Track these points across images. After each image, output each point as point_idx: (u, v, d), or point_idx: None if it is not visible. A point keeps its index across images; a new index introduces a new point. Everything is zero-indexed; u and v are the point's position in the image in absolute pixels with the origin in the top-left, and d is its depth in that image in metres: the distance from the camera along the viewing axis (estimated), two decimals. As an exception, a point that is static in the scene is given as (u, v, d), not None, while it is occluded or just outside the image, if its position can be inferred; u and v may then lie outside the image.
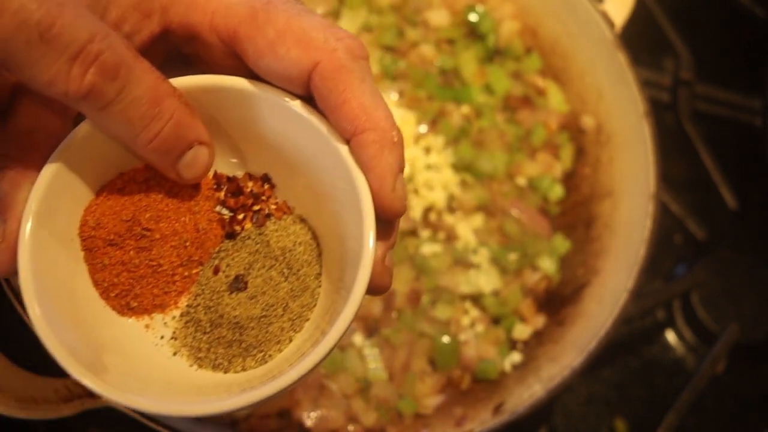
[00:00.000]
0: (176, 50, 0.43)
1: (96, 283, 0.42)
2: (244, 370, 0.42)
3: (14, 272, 0.39)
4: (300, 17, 0.39)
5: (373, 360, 0.76)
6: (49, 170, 0.39)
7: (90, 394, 0.60)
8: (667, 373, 0.87)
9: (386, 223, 0.41)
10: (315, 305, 0.43)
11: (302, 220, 0.45)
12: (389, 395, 0.75)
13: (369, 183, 0.39)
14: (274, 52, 0.39)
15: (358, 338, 0.77)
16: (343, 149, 0.40)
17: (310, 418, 0.73)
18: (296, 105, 0.41)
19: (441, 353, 0.77)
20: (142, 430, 0.63)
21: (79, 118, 0.40)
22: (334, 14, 0.89)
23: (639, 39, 0.91)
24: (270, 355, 0.42)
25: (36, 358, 0.59)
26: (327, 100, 0.39)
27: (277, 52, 0.39)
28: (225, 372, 0.42)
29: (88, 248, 0.41)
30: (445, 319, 0.78)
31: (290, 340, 0.42)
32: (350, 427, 0.74)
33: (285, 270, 0.43)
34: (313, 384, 0.74)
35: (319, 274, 0.44)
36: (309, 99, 0.41)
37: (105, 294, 0.42)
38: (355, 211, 0.40)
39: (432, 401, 0.75)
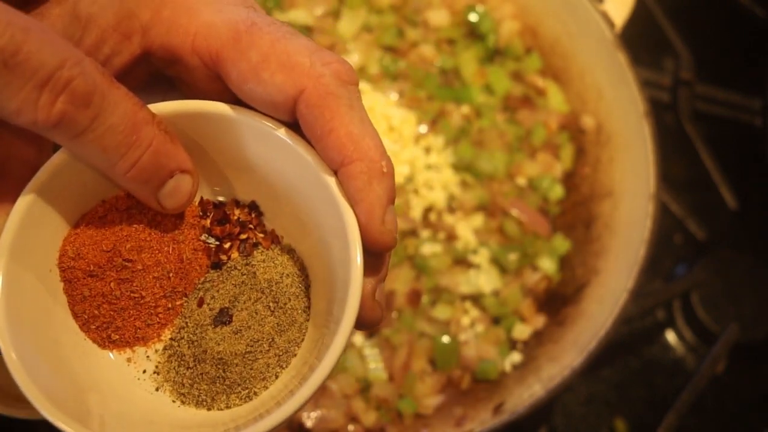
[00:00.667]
0: (159, 72, 0.41)
1: (76, 315, 0.40)
2: (228, 407, 0.40)
3: None
4: (285, 40, 0.37)
5: (373, 360, 0.76)
6: (25, 200, 0.37)
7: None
8: (667, 373, 0.87)
9: (376, 256, 0.39)
10: (303, 340, 0.41)
11: (290, 250, 0.43)
12: (389, 395, 0.75)
13: (357, 216, 0.38)
14: (257, 77, 0.37)
15: (358, 338, 0.77)
16: (331, 180, 0.38)
17: (310, 419, 0.73)
18: (281, 133, 0.39)
19: (441, 353, 0.77)
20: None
21: (58, 145, 0.39)
22: (334, 14, 0.89)
23: (639, 39, 0.91)
24: (255, 393, 0.40)
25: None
26: (313, 129, 0.37)
27: (261, 77, 0.37)
28: (208, 409, 0.40)
29: (67, 279, 0.40)
30: (445, 319, 0.78)
31: (276, 377, 0.41)
32: (350, 427, 0.74)
33: (271, 304, 0.41)
34: (313, 384, 0.74)
35: (308, 307, 0.42)
36: (296, 126, 0.39)
37: (85, 326, 0.40)
38: (343, 244, 0.38)
39: (432, 401, 0.75)
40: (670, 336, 0.89)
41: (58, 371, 0.38)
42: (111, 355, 0.41)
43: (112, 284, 0.40)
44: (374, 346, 0.76)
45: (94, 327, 0.41)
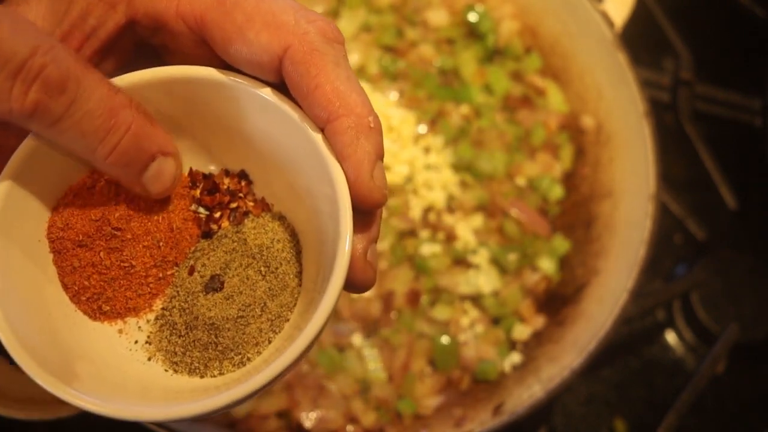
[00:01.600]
0: (145, 42, 0.41)
1: (66, 287, 0.40)
2: (221, 373, 0.40)
3: None
4: (270, 0, 0.38)
5: (372, 360, 0.76)
6: (11, 170, 0.37)
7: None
8: (667, 373, 0.87)
9: (366, 214, 0.39)
10: (295, 305, 0.41)
11: (281, 217, 0.43)
12: (388, 396, 0.75)
13: (345, 172, 0.37)
14: (242, 37, 0.37)
15: (357, 339, 0.77)
16: (317, 137, 0.38)
17: (309, 419, 0.73)
18: (267, 92, 0.39)
19: (440, 354, 0.77)
20: (141, 430, 0.63)
21: None
22: (333, 13, 0.89)
23: (639, 39, 0.91)
24: (248, 358, 0.40)
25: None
26: (299, 86, 0.37)
27: (246, 37, 0.37)
28: (201, 377, 0.40)
29: (56, 250, 0.40)
30: (445, 320, 0.78)
31: (269, 342, 0.40)
32: (349, 428, 0.74)
33: (262, 268, 0.41)
34: (312, 384, 0.74)
35: (299, 272, 0.42)
36: (281, 87, 0.39)
37: (75, 298, 0.40)
38: (332, 203, 0.38)
39: (431, 402, 0.75)
40: (670, 336, 0.89)
41: (48, 340, 0.38)
42: (102, 326, 0.41)
43: (101, 254, 0.40)
44: (373, 347, 0.76)
45: (84, 299, 0.40)
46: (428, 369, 0.77)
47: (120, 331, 0.41)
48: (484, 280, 0.79)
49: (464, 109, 0.86)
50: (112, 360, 0.40)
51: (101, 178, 0.40)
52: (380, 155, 0.38)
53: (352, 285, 0.38)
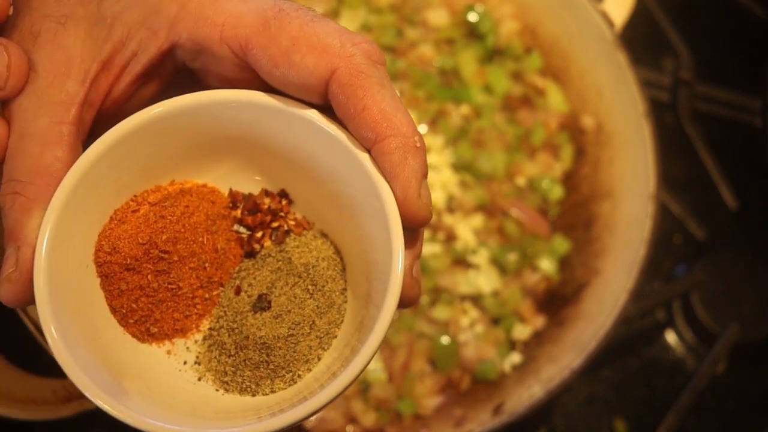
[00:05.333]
0: (184, 66, 0.42)
1: (113, 310, 0.40)
2: (273, 392, 0.41)
3: (29, 301, 0.37)
4: (314, 24, 0.38)
5: (372, 361, 0.76)
6: (61, 196, 0.38)
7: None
8: (667, 373, 0.87)
9: (411, 231, 0.39)
10: (342, 321, 0.42)
11: (323, 235, 0.43)
12: (388, 396, 0.75)
13: (393, 191, 0.38)
14: (289, 61, 0.38)
15: (357, 339, 0.77)
16: (365, 158, 0.38)
17: (309, 419, 0.73)
18: (313, 115, 0.39)
19: (440, 354, 0.77)
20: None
21: (88, 143, 0.39)
22: (334, 14, 0.89)
23: (639, 39, 0.91)
24: (299, 375, 0.41)
25: (35, 360, 0.59)
26: (346, 108, 0.38)
27: (292, 60, 0.38)
28: (253, 395, 0.41)
29: (104, 274, 0.40)
30: (445, 320, 0.78)
31: (319, 359, 0.41)
32: (349, 428, 0.74)
33: (310, 287, 0.42)
34: (312, 384, 0.74)
35: (344, 289, 0.42)
36: (326, 109, 0.39)
37: (123, 321, 0.41)
38: (381, 222, 0.38)
39: (431, 402, 0.75)
40: (670, 336, 0.89)
41: (98, 359, 0.38)
42: (151, 348, 0.41)
43: (149, 276, 0.40)
44: (374, 347, 0.76)
45: (132, 321, 0.41)
46: (428, 369, 0.77)
47: (168, 353, 0.42)
48: (484, 280, 0.79)
49: (464, 109, 0.86)
50: (161, 380, 0.40)
51: (145, 202, 0.41)
52: (425, 174, 0.39)
53: (400, 301, 0.39)
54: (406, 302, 0.39)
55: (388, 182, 0.38)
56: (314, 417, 0.73)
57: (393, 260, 0.37)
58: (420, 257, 0.41)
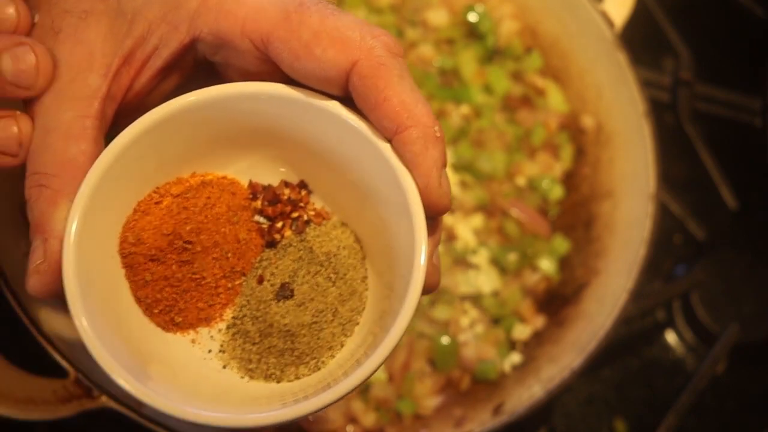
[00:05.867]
0: (204, 60, 0.42)
1: (138, 300, 0.41)
2: (297, 378, 0.41)
3: (57, 293, 0.38)
4: (334, 17, 0.39)
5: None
6: (87, 188, 0.38)
7: (89, 395, 0.60)
8: (667, 373, 0.87)
9: (432, 219, 0.40)
10: (364, 309, 0.43)
11: (342, 225, 0.44)
12: (388, 396, 0.75)
13: (415, 180, 0.39)
14: (310, 54, 0.38)
15: (357, 339, 0.77)
16: (386, 148, 0.39)
17: (309, 419, 0.73)
18: (335, 106, 0.40)
19: (440, 354, 0.77)
20: (141, 431, 0.63)
21: (111, 136, 0.39)
22: (334, 14, 0.89)
23: (639, 39, 0.91)
24: (323, 362, 0.41)
25: (35, 360, 0.59)
26: (367, 99, 0.38)
27: (314, 53, 0.38)
28: (278, 382, 0.41)
29: (128, 265, 0.41)
30: (445, 320, 0.78)
31: (342, 346, 0.42)
32: (349, 428, 0.74)
33: (332, 275, 0.42)
34: (312, 384, 0.74)
35: (365, 277, 0.43)
36: (346, 100, 0.40)
37: (148, 311, 0.41)
38: (402, 211, 0.39)
39: (431, 402, 0.75)
40: (670, 336, 0.89)
41: (124, 346, 0.39)
42: (175, 337, 0.42)
43: (173, 267, 0.41)
44: (374, 347, 0.76)
45: (157, 311, 0.41)
46: (428, 369, 0.77)
47: (193, 341, 0.42)
48: (484, 280, 0.79)
49: (464, 109, 0.86)
50: (186, 369, 0.41)
51: (167, 194, 0.41)
52: (445, 163, 0.40)
53: (422, 289, 0.39)
54: (427, 289, 0.40)
55: (409, 172, 0.39)
56: (313, 417, 0.73)
57: (416, 249, 0.38)
58: (438, 244, 0.42)
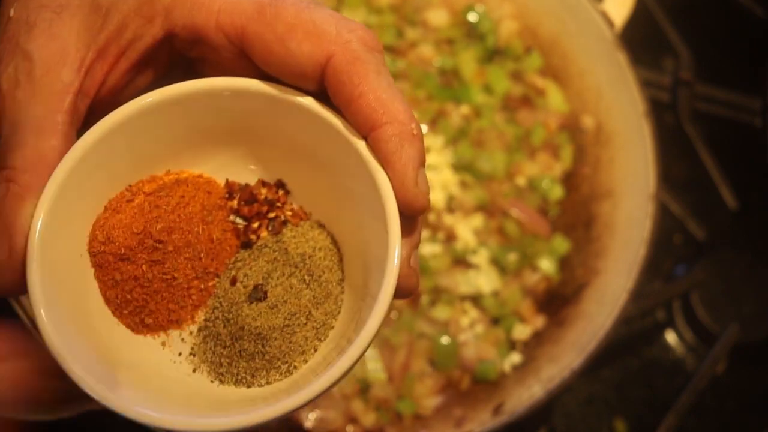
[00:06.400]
0: (181, 54, 0.41)
1: (108, 301, 0.40)
2: (268, 383, 0.40)
3: (22, 291, 0.37)
4: (309, 10, 0.38)
5: (372, 360, 0.76)
6: (54, 184, 0.37)
7: (89, 395, 0.60)
8: (667, 373, 0.87)
9: (409, 220, 0.39)
10: (339, 312, 0.41)
11: (320, 226, 0.43)
12: (388, 396, 0.75)
13: (390, 179, 0.37)
14: (284, 48, 0.37)
15: (357, 339, 0.76)
16: (361, 145, 0.38)
17: (309, 419, 0.73)
18: (309, 102, 0.39)
19: (440, 354, 0.77)
20: (141, 431, 0.63)
21: (82, 131, 0.39)
22: (334, 14, 0.89)
23: (639, 39, 0.91)
24: (295, 366, 0.40)
25: (34, 360, 0.59)
26: (342, 94, 0.38)
27: (288, 47, 0.37)
28: (248, 387, 0.40)
29: (98, 264, 0.40)
30: (445, 320, 0.78)
31: (315, 350, 0.40)
32: (349, 428, 0.74)
33: (306, 277, 0.41)
34: (312, 385, 0.74)
35: (342, 279, 0.42)
36: (321, 95, 0.39)
37: (118, 312, 0.40)
38: (377, 210, 0.38)
39: (431, 402, 0.75)
40: (670, 336, 0.89)
41: (91, 350, 0.38)
42: (145, 339, 0.41)
43: (143, 267, 0.40)
44: (373, 347, 0.76)
45: (126, 312, 0.40)
46: (428, 369, 0.77)
47: (163, 344, 0.41)
48: (484, 280, 0.79)
49: (464, 109, 0.86)
50: (156, 372, 0.40)
51: (140, 192, 0.41)
52: (423, 162, 0.38)
53: (398, 291, 0.38)
54: (403, 293, 0.39)
55: (384, 170, 0.38)
56: (313, 417, 0.73)
57: (389, 249, 0.37)
58: (419, 247, 0.40)
